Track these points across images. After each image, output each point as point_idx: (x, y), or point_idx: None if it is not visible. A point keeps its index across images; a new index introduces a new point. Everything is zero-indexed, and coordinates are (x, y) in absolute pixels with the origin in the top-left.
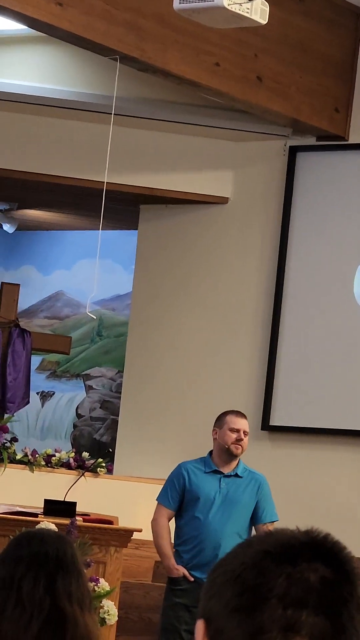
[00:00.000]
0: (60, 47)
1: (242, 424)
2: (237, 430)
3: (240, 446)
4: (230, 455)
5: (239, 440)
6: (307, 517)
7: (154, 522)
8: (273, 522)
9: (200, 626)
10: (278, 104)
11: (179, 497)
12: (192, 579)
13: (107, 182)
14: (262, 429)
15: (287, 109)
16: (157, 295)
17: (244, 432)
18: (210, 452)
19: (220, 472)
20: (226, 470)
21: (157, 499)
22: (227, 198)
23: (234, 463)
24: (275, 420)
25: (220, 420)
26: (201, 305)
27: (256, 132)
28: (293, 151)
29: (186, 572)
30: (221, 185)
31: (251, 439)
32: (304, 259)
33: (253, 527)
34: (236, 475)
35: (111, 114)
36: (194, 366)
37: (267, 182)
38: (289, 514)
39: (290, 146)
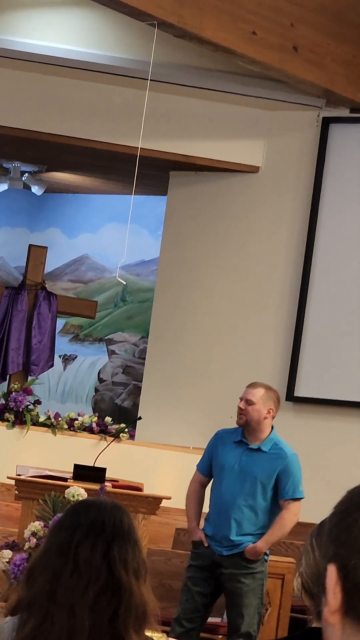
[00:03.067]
0: (99, 10)
1: (245, 392)
2: (240, 399)
3: (242, 415)
4: (245, 427)
5: (240, 410)
6: (329, 489)
7: (189, 486)
8: (294, 499)
9: (332, 572)
10: (313, 74)
11: (209, 463)
12: (207, 545)
13: (140, 148)
14: (286, 399)
15: (322, 79)
16: (184, 262)
17: (246, 400)
18: None
19: (246, 444)
20: (252, 442)
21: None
22: (258, 167)
23: (260, 436)
24: (300, 392)
25: None
26: (229, 274)
27: (289, 102)
28: (326, 122)
29: (203, 537)
30: (252, 154)
31: None
32: (334, 230)
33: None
34: (259, 449)
35: (147, 79)
36: (220, 334)
37: (299, 153)
38: (312, 486)
39: (323, 117)
